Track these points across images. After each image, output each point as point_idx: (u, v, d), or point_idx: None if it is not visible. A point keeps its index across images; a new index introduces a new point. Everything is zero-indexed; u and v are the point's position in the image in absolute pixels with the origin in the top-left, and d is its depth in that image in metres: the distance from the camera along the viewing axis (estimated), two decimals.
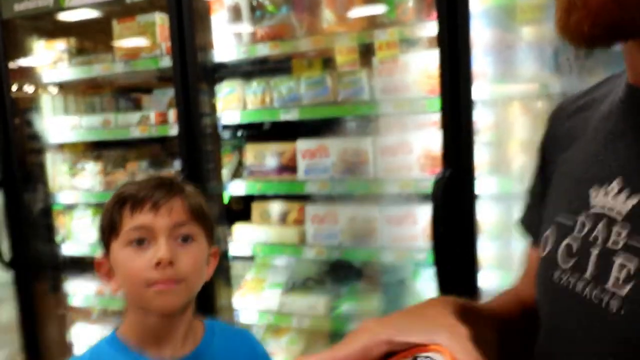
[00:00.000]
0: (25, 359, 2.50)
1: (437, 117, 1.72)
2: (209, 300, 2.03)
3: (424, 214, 1.82)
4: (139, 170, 2.41)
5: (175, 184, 1.04)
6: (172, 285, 0.97)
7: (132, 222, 0.98)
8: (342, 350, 0.58)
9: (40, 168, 2.52)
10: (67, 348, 2.60)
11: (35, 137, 2.46)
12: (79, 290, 2.55)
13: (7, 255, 2.40)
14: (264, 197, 2.27)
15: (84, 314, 2.77)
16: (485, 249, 1.71)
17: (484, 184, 1.66)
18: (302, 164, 2.00)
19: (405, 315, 0.64)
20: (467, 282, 1.63)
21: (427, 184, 1.74)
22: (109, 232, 1.01)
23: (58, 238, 2.56)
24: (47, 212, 2.52)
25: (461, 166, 1.59)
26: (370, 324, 0.60)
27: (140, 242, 0.98)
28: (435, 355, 0.55)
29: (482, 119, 1.68)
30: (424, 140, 1.83)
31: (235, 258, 2.25)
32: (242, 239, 2.15)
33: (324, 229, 1.97)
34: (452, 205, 1.57)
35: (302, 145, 2.00)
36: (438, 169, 1.64)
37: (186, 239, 1.00)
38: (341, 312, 2.01)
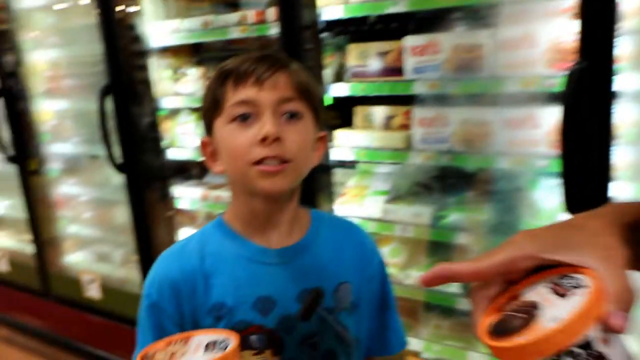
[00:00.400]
0: (138, 259, 2.64)
1: (568, 2, 1.49)
2: (309, 206, 1.99)
3: (548, 116, 1.62)
4: None
5: (281, 58, 0.95)
6: (278, 166, 0.90)
7: (235, 96, 0.92)
8: (485, 261, 0.55)
9: (145, 74, 2.53)
10: None
11: (138, 41, 2.46)
12: (185, 195, 2.61)
13: (117, 159, 2.49)
14: (367, 101, 2.14)
15: (190, 217, 2.86)
16: (621, 157, 1.50)
17: (625, 80, 1.43)
18: (409, 63, 1.84)
19: (561, 228, 0.56)
20: (596, 194, 1.44)
21: (554, 81, 1.53)
22: (212, 109, 0.95)
23: (163, 143, 2.61)
24: (153, 119, 2.55)
25: (598, 58, 1.37)
26: (520, 236, 0.55)
27: (244, 118, 0.91)
28: (581, 278, 0.50)
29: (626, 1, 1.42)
30: (552, 31, 1.59)
31: (337, 165, 2.18)
32: (344, 144, 2.05)
33: (432, 133, 1.83)
34: (586, 104, 1.37)
35: (410, 41, 1.83)
36: (567, 64, 1.42)
37: (293, 115, 0.92)
38: (448, 222, 1.90)
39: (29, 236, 3.19)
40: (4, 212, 3.59)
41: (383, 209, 2.03)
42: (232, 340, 0.72)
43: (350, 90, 1.97)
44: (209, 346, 0.72)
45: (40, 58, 3.00)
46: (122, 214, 2.72)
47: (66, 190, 3.16)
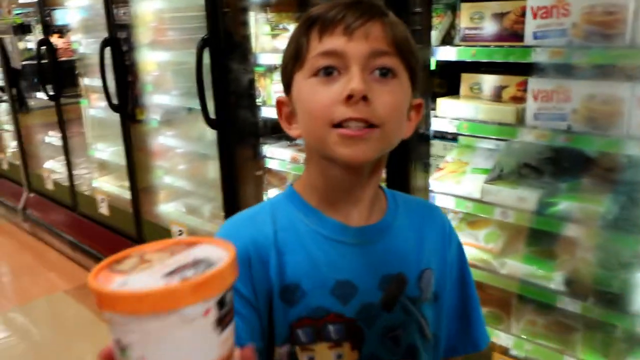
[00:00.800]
0: (225, 215, 2.63)
1: None
2: (402, 178, 1.84)
3: None
4: None
5: (376, 6, 0.80)
6: (363, 131, 0.76)
7: (320, 46, 0.78)
8: None
9: (244, 28, 2.46)
10: None
11: None
12: (276, 155, 2.55)
13: (211, 114, 2.46)
14: (476, 67, 1.93)
15: (279, 178, 2.81)
16: None
17: None
18: (530, 26, 1.61)
19: None
20: None
21: None
22: (292, 62, 0.82)
23: (258, 101, 2.54)
24: (250, 75, 2.49)
25: None
26: None
27: (327, 72, 0.77)
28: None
29: None
30: None
31: (436, 136, 2.00)
32: (446, 114, 1.87)
33: (550, 108, 1.60)
34: None
35: (534, 1, 1.59)
36: None
37: (386, 73, 0.78)
38: (557, 211, 1.68)
39: (127, 183, 3.30)
40: (109, 157, 3.74)
41: (482, 189, 1.84)
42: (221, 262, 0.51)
43: (458, 54, 1.77)
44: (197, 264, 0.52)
45: (148, 9, 3.02)
46: (214, 169, 2.71)
47: (164, 141, 3.21)
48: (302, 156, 2.43)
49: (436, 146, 2.13)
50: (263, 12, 2.53)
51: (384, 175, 2.01)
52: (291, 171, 2.61)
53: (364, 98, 0.74)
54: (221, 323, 0.48)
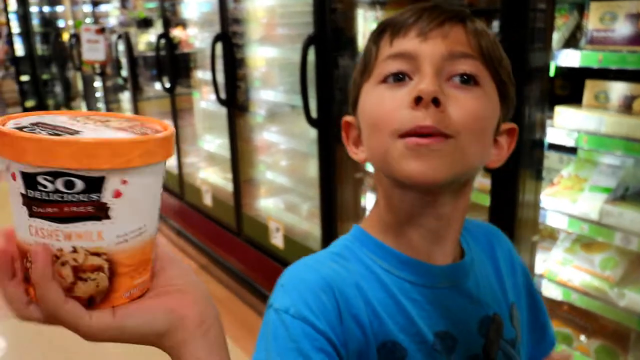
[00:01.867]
0: (321, 215, 2.60)
1: None
2: (510, 191, 1.70)
3: None
4: None
5: (458, 10, 0.69)
6: (434, 139, 0.62)
7: (390, 50, 0.67)
8: None
9: (352, 26, 2.40)
10: (359, 212, 2.61)
11: None
12: None
13: (314, 112, 2.43)
14: (603, 74, 1.73)
15: None
16: None
17: None
18: None
19: None
20: None
21: None
22: (361, 74, 0.72)
23: None
24: None
25: None
26: None
27: (397, 78, 0.66)
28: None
29: None
30: None
31: (552, 147, 1.83)
32: (564, 125, 1.69)
33: None
34: None
35: None
36: None
37: (467, 79, 0.65)
38: None
39: (231, 175, 3.37)
40: (215, 149, 3.84)
41: (601, 210, 1.65)
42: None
43: (583, 60, 1.59)
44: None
45: (260, 4, 3.05)
46: (314, 168, 2.69)
47: (267, 136, 3.24)
48: None
49: (551, 158, 1.95)
50: (372, 9, 2.45)
51: (484, 185, 1.87)
52: None
53: (435, 101, 0.62)
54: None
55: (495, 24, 1.77)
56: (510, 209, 1.71)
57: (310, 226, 2.86)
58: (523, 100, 1.63)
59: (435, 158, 0.62)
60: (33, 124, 0.41)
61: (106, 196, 0.40)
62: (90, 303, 0.42)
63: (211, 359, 0.48)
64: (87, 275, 0.41)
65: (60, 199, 0.39)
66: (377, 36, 0.71)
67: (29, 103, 9.22)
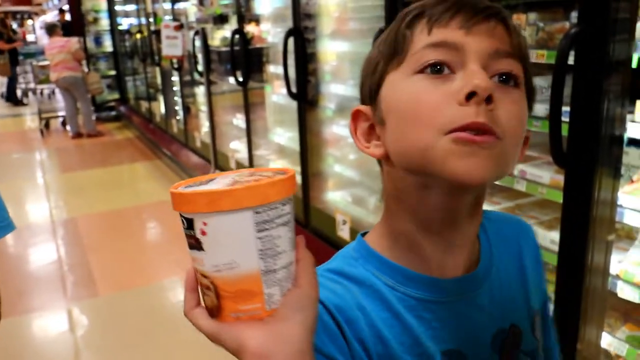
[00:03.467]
0: None
1: None
2: (585, 188, 1.64)
3: None
4: (526, 23, 2.04)
5: (497, 6, 0.64)
6: (487, 137, 0.58)
7: (430, 38, 0.62)
8: None
9: None
10: None
11: None
12: None
13: None
14: None
15: None
16: None
17: None
18: None
19: None
20: None
21: None
22: (386, 60, 0.65)
23: None
24: None
25: None
26: None
27: (437, 70, 0.61)
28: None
29: None
30: None
31: (632, 143, 1.75)
32: None
33: None
34: None
35: None
36: None
37: (507, 79, 0.62)
38: None
39: (300, 168, 3.43)
40: (285, 142, 3.92)
41: None
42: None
43: None
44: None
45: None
46: None
47: (337, 130, 3.27)
48: None
49: (630, 154, 1.86)
50: None
51: (558, 181, 1.81)
52: None
53: (488, 99, 0.58)
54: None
55: (574, 14, 1.71)
56: (585, 206, 1.66)
57: (376, 220, 2.85)
58: (602, 94, 1.57)
59: (485, 158, 0.58)
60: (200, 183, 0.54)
61: (197, 233, 0.50)
62: (211, 314, 0.53)
63: None
64: (205, 291, 0.52)
65: (186, 234, 0.51)
66: (409, 22, 0.64)
67: (113, 96, 9.73)
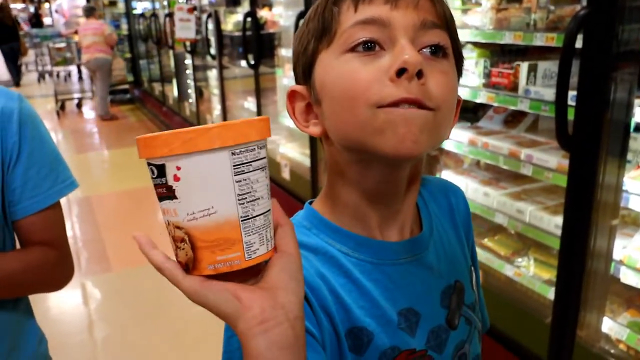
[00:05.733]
0: None
1: None
2: (588, 173, 1.64)
3: None
4: (537, 6, 2.03)
5: None
6: (418, 110, 0.59)
7: (357, 16, 0.62)
8: None
9: None
10: None
11: None
12: (452, 136, 2.45)
13: None
14: None
15: (455, 161, 2.70)
16: None
17: None
18: None
19: None
20: None
21: None
22: (317, 40, 0.66)
23: None
24: None
25: None
26: None
27: (367, 47, 0.61)
28: None
29: None
30: None
31: (639, 128, 1.74)
32: None
33: None
34: None
35: None
36: None
37: (437, 50, 0.63)
38: None
39: (308, 151, 3.45)
40: (295, 125, 3.92)
41: None
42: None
43: None
44: None
45: None
46: None
47: None
48: (481, 140, 2.30)
49: (639, 140, 1.86)
50: None
51: (564, 165, 1.82)
52: (468, 155, 2.50)
53: (419, 74, 0.59)
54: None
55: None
56: (588, 190, 1.66)
57: None
58: (609, 79, 1.57)
59: (417, 131, 0.59)
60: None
61: (169, 180, 0.47)
62: (186, 269, 0.50)
63: (271, 354, 0.49)
64: (178, 244, 0.49)
65: (154, 184, 0.49)
66: (334, 1, 0.65)
67: (127, 79, 9.79)
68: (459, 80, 0.68)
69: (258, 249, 0.50)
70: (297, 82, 0.71)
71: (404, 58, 0.58)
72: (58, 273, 1.15)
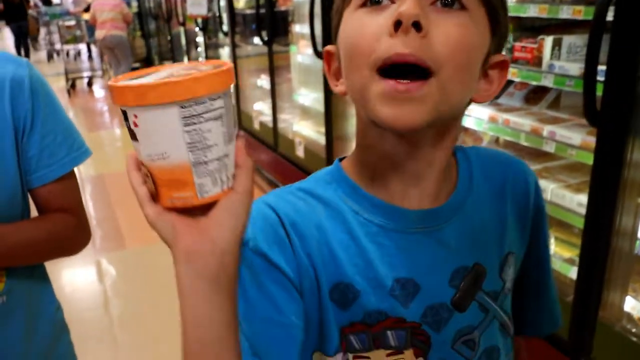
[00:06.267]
0: None
1: None
2: (616, 149, 1.61)
3: None
4: None
5: None
6: (413, 85, 0.57)
7: None
8: None
9: None
10: None
11: None
12: (472, 113, 2.41)
13: None
14: None
15: (475, 138, 2.67)
16: None
17: None
18: None
19: None
20: None
21: None
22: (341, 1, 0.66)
23: None
24: None
25: None
26: None
27: (376, 1, 0.60)
28: None
29: None
30: None
31: None
32: None
33: None
34: None
35: None
36: None
37: (451, 2, 0.59)
38: None
39: (324, 129, 3.42)
40: (310, 103, 3.91)
41: None
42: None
43: None
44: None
45: None
46: None
47: None
48: (501, 116, 2.26)
49: None
50: None
51: (589, 142, 1.78)
52: (488, 132, 2.46)
53: (416, 25, 0.56)
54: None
55: None
56: (616, 167, 1.62)
57: None
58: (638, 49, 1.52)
59: (413, 105, 0.57)
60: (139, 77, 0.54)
61: (131, 125, 0.51)
62: (153, 198, 0.55)
63: (196, 284, 0.53)
64: (145, 179, 0.54)
65: (126, 125, 0.53)
66: None
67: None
68: (495, 37, 0.63)
69: (211, 189, 0.53)
70: (332, 42, 0.70)
71: (399, 10, 0.56)
72: (78, 238, 1.16)
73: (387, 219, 0.68)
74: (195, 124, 0.50)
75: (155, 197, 0.54)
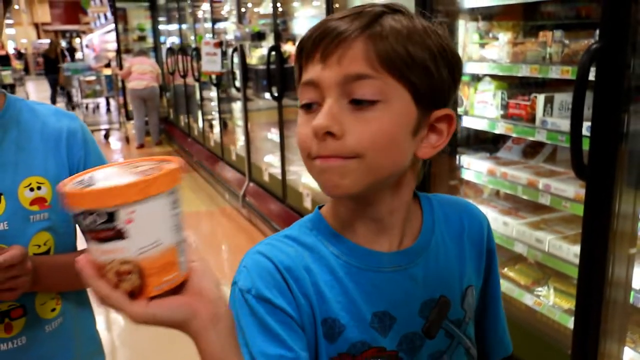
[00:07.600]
0: None
1: None
2: (604, 201, 1.67)
3: None
4: (552, 41, 2.09)
5: (365, 15, 0.68)
6: (333, 160, 0.68)
7: (304, 76, 0.72)
8: None
9: (452, 36, 2.45)
10: None
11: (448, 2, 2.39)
12: (472, 166, 2.49)
13: None
14: None
15: (475, 191, 2.74)
16: None
17: None
18: None
19: None
20: None
21: None
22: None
23: (460, 110, 2.51)
24: None
25: None
26: None
27: (308, 107, 0.71)
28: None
29: None
30: None
31: None
32: None
33: None
34: None
35: None
36: None
37: (360, 102, 0.67)
38: None
39: None
40: None
41: None
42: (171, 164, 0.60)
43: None
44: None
45: None
46: None
47: None
48: (500, 170, 2.34)
49: None
50: (474, 20, 2.49)
51: (582, 195, 1.83)
52: (488, 184, 2.53)
53: (330, 134, 0.67)
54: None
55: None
56: (605, 219, 1.68)
57: None
58: (623, 112, 1.60)
59: (341, 176, 0.68)
60: (84, 181, 0.58)
61: (120, 224, 0.54)
62: (131, 295, 0.57)
63: (221, 341, 0.61)
64: (124, 277, 0.56)
65: (93, 229, 0.55)
66: (297, 57, 0.74)
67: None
68: (427, 98, 0.70)
69: (185, 264, 0.60)
70: None
71: (313, 124, 0.68)
72: None
73: (363, 261, 0.77)
74: (176, 207, 0.58)
75: (137, 292, 0.57)
